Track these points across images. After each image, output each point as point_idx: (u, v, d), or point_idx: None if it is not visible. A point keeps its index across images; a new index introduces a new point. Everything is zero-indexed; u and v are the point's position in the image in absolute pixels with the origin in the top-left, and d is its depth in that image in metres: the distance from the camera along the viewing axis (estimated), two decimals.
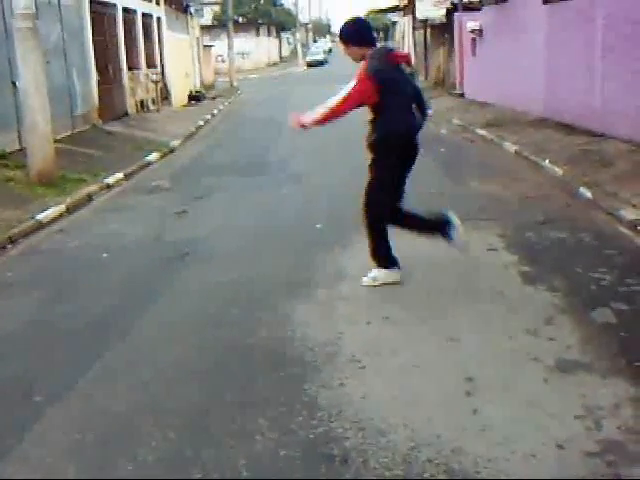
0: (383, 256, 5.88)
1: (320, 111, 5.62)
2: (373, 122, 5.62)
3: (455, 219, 5.82)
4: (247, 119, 23.13)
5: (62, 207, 9.67)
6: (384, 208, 5.75)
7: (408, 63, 5.77)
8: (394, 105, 5.51)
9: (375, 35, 5.93)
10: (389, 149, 5.60)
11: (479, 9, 22.86)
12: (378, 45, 5.85)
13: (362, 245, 6.37)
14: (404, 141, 5.63)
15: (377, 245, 5.86)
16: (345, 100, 5.48)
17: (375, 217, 5.77)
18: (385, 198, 5.72)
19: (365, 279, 5.93)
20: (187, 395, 4.27)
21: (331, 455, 3.50)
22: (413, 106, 5.65)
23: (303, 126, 5.78)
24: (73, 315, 5.80)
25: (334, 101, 5.55)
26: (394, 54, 5.74)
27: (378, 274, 5.89)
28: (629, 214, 7.58)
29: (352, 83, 5.50)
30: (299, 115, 5.81)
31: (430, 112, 5.84)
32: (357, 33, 5.68)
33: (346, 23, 5.87)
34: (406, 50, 37.98)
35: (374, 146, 5.63)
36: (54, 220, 9.23)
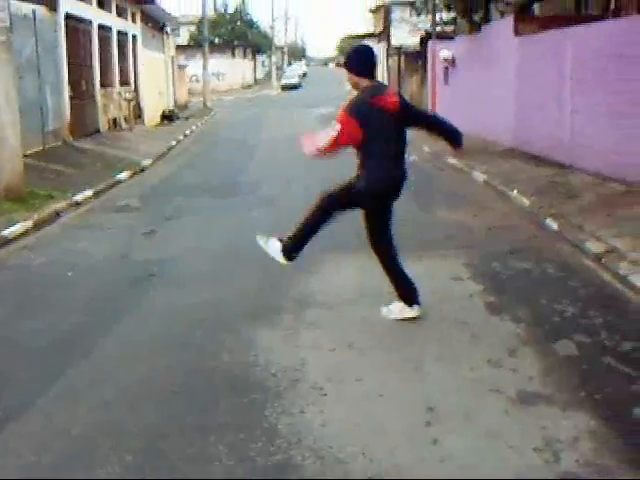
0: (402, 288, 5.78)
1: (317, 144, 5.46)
2: (359, 168, 5.52)
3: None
4: (220, 140, 23.13)
5: (29, 223, 9.57)
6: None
7: (394, 108, 5.44)
8: (377, 153, 5.41)
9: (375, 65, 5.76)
10: (367, 202, 5.56)
11: (452, 38, 23.17)
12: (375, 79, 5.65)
13: (329, 270, 6.39)
14: (383, 195, 5.57)
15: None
16: (333, 142, 5.32)
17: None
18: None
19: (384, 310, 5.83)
20: (147, 417, 4.22)
21: None
22: (402, 152, 5.60)
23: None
24: (36, 332, 5.73)
25: (323, 141, 5.39)
26: (378, 99, 5.43)
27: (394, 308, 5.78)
28: (594, 247, 7.66)
29: (337, 124, 5.35)
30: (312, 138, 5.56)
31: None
32: (358, 62, 5.56)
33: (351, 50, 5.80)
34: (380, 76, 38.34)
35: (356, 195, 5.54)
36: (20, 236, 9.13)
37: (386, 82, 35.86)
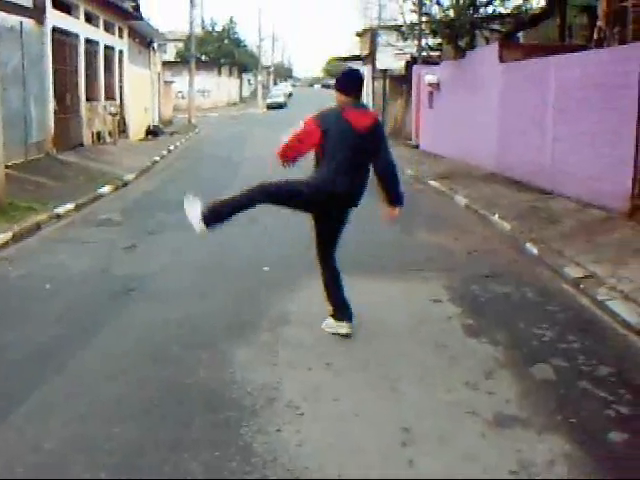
0: (334, 305, 5.88)
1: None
2: (313, 170, 5.66)
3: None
4: (204, 157, 23.13)
5: (8, 235, 9.49)
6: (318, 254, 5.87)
7: (363, 129, 5.51)
8: (331, 163, 5.47)
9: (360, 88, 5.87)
10: (304, 204, 5.72)
11: (437, 63, 23.38)
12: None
13: (308, 289, 6.39)
14: (321, 203, 5.63)
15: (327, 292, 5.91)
16: (293, 138, 5.49)
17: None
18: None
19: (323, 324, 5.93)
20: (122, 433, 4.18)
21: None
22: (362, 172, 5.65)
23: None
24: (11, 345, 5.66)
25: (286, 137, 5.57)
26: (351, 113, 5.55)
27: (329, 321, 5.90)
28: (573, 272, 7.72)
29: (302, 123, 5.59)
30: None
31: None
32: (345, 83, 5.71)
33: (341, 72, 6.02)
34: (365, 98, 38.56)
35: (297, 194, 5.67)
36: None
37: (371, 104, 36.07)
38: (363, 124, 5.51)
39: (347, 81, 5.74)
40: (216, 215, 5.80)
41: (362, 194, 5.68)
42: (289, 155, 5.53)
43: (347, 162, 5.49)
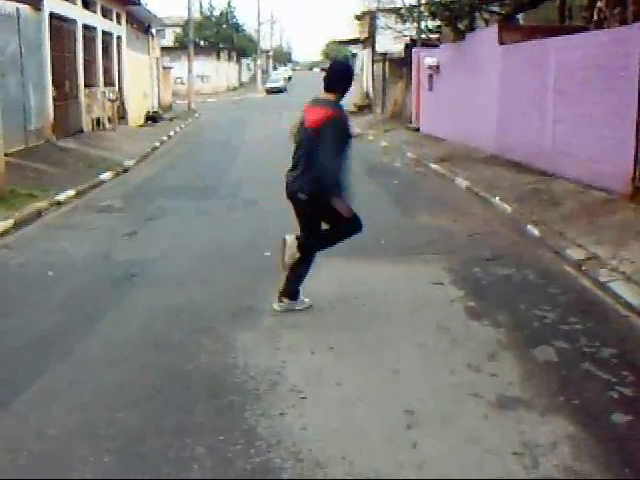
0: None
1: None
2: None
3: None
4: (204, 142, 23.09)
5: (9, 222, 9.48)
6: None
7: (308, 125, 5.63)
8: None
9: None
10: None
11: (437, 45, 23.27)
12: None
13: (310, 275, 6.37)
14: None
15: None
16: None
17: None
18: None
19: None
20: (125, 419, 4.19)
21: None
22: (305, 165, 5.68)
23: None
24: (13, 332, 5.67)
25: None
26: (306, 108, 5.84)
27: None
28: (574, 254, 7.71)
29: None
30: None
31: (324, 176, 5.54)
32: (325, 78, 5.82)
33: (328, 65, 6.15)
34: (365, 82, 38.45)
35: None
36: (0, 235, 9.04)
37: (371, 88, 35.95)
38: (311, 120, 5.64)
39: (326, 77, 5.80)
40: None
41: (307, 190, 5.69)
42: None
43: (295, 155, 5.81)
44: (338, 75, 5.79)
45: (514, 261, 7.70)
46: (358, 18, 44.93)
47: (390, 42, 31.14)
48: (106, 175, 14.53)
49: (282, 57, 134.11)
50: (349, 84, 5.82)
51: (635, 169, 9.85)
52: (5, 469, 3.68)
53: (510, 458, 3.70)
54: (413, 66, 24.89)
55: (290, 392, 4.50)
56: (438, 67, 21.51)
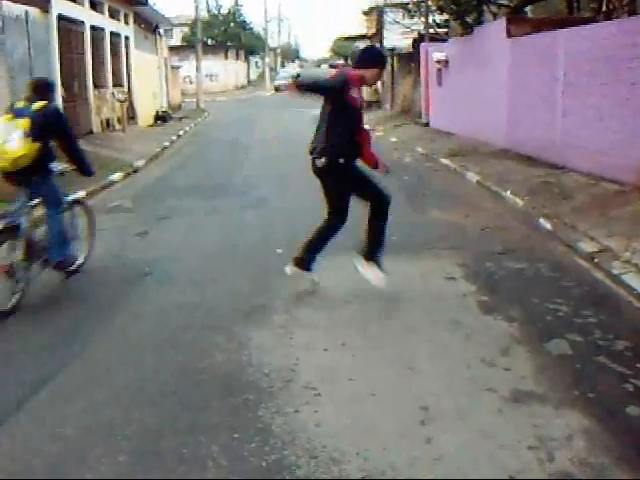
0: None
1: None
2: None
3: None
4: (213, 141, 23.10)
5: None
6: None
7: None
8: None
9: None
10: None
11: (445, 40, 23.21)
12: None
13: (322, 270, 6.38)
14: None
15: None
16: None
17: None
18: None
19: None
20: (140, 419, 4.21)
21: None
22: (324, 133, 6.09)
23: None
24: (27, 333, 5.70)
25: None
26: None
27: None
28: (587, 246, 7.68)
29: None
30: None
31: None
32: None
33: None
34: None
35: None
36: None
37: (379, 84, 35.89)
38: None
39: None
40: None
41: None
42: None
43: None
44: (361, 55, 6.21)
45: (526, 255, 7.68)
46: (366, 14, 44.91)
47: (398, 37, 31.11)
48: (116, 176, 14.55)
49: (290, 54, 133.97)
50: (374, 61, 6.15)
51: None
52: (21, 469, 3.70)
53: (525, 452, 3.70)
54: (421, 61, 24.83)
55: (304, 389, 4.51)
56: (447, 62, 21.45)
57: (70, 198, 7.47)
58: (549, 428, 3.94)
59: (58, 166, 6.86)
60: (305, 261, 6.33)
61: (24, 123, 6.18)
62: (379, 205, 6.31)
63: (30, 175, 6.43)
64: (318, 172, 6.12)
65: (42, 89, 6.72)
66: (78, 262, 7.25)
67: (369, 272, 6.27)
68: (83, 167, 7.10)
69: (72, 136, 6.95)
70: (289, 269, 6.40)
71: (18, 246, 6.31)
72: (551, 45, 13.25)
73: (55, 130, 6.58)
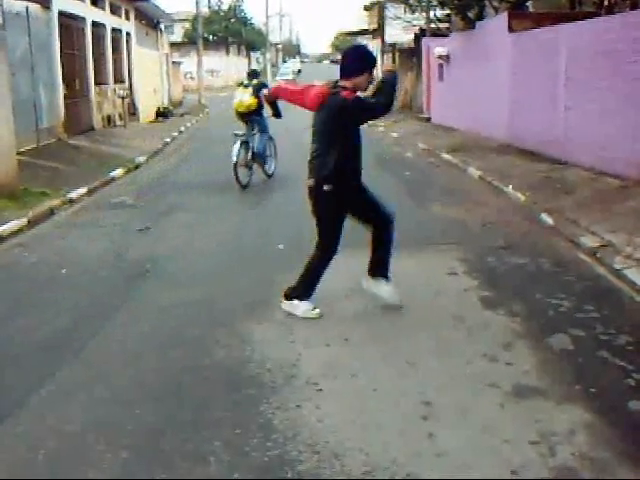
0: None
1: None
2: None
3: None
4: (214, 137, 23.04)
5: (23, 221, 9.53)
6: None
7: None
8: None
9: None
10: None
11: (447, 35, 23.17)
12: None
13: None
14: None
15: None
16: None
17: None
18: None
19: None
20: (141, 415, 4.21)
21: (285, 479, 3.47)
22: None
23: None
24: (29, 330, 5.71)
25: None
26: None
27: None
28: (589, 241, 7.68)
29: None
30: None
31: None
32: None
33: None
34: (375, 73, 38.25)
35: None
36: (14, 234, 9.09)
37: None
38: None
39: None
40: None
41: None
42: None
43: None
44: (346, 66, 5.59)
45: (528, 250, 7.67)
46: (367, 9, 44.88)
47: (399, 32, 31.04)
48: (118, 172, 14.56)
49: (291, 50, 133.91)
50: (361, 67, 5.54)
51: None
52: (24, 467, 3.70)
53: (527, 447, 3.69)
54: (423, 56, 24.81)
55: (306, 385, 4.51)
56: (448, 57, 21.44)
57: (270, 133, 13.02)
58: (551, 423, 3.93)
59: (265, 112, 12.48)
60: (299, 293, 5.81)
61: (250, 90, 12.34)
62: (383, 229, 5.80)
63: (252, 115, 12.53)
64: (308, 193, 5.71)
65: (254, 75, 12.93)
66: (272, 170, 13.22)
67: (382, 289, 5.87)
68: (277, 113, 11.58)
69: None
70: (283, 305, 5.87)
71: (248, 152, 12.35)
72: (553, 40, 13.23)
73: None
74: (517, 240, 8.11)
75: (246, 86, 12.46)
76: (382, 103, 5.52)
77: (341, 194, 5.52)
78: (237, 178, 11.92)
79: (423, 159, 15.93)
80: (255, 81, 12.52)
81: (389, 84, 5.62)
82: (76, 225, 9.88)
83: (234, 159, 11.82)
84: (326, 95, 5.48)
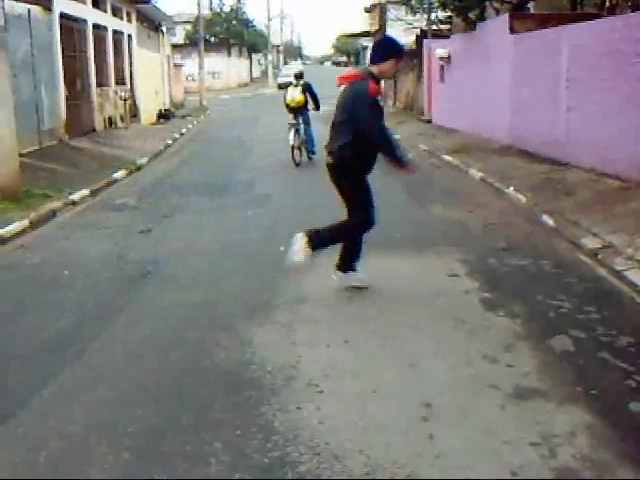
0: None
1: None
2: None
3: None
4: (216, 139, 23.11)
5: (25, 222, 9.55)
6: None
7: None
8: None
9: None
10: None
11: (448, 36, 23.16)
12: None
13: (324, 269, 6.38)
14: None
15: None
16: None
17: None
18: None
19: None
20: (143, 417, 4.21)
21: None
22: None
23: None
24: (31, 331, 5.71)
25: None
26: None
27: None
28: (590, 242, 7.68)
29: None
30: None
31: None
32: None
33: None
34: None
35: None
36: (16, 235, 9.11)
37: (382, 81, 35.88)
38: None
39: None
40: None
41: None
42: None
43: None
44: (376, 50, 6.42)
45: (529, 251, 7.67)
46: (368, 10, 44.88)
47: (401, 34, 30.96)
48: (119, 174, 14.58)
49: (293, 52, 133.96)
50: (387, 54, 6.26)
51: None
52: (25, 467, 3.71)
53: (527, 448, 3.69)
54: (424, 57, 24.81)
55: (306, 386, 4.51)
56: (449, 58, 21.43)
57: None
58: (552, 424, 3.94)
59: (310, 107, 15.24)
60: (347, 265, 6.37)
61: (299, 89, 15.03)
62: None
63: (301, 109, 15.13)
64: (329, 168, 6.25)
65: (300, 76, 15.46)
66: (315, 150, 15.19)
67: (353, 280, 6.36)
68: (317, 106, 15.04)
69: (316, 95, 15.05)
70: (334, 276, 6.40)
71: (298, 137, 15.12)
72: (555, 41, 13.23)
73: (309, 92, 15.00)
74: (518, 242, 8.11)
75: (295, 86, 15.24)
76: (381, 139, 6.05)
77: (357, 164, 6.04)
78: (293, 157, 15.10)
79: (424, 160, 15.91)
80: (302, 81, 15.23)
81: (393, 153, 6.11)
82: (78, 226, 9.90)
83: (291, 142, 15.02)
84: (357, 78, 6.26)
